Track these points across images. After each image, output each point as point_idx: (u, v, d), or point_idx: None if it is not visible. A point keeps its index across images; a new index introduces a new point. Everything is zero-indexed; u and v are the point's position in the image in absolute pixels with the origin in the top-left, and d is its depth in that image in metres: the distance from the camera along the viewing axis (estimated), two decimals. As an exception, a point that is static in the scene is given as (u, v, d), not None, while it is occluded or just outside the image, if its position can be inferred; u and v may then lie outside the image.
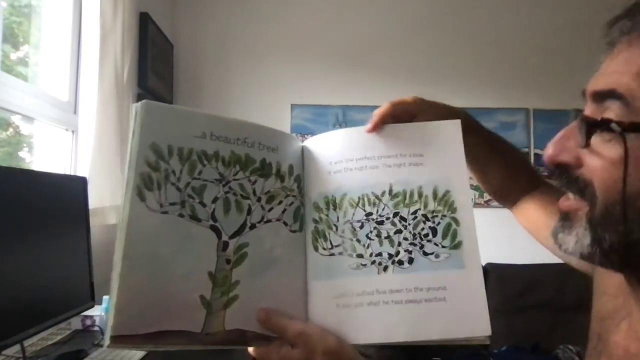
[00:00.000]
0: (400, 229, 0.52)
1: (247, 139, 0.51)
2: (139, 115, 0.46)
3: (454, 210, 0.53)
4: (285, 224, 0.53)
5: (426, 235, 0.52)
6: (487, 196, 2.14)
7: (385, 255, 0.52)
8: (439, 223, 0.52)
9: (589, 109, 0.43)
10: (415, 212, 0.53)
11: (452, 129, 0.56)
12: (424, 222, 0.52)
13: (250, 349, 0.50)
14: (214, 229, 0.48)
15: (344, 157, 0.55)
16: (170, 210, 0.46)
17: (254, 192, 0.51)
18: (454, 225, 0.52)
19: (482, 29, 2.81)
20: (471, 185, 0.57)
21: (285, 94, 2.75)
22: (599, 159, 0.41)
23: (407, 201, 0.53)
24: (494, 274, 2.40)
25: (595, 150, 0.41)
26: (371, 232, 0.53)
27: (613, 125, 0.39)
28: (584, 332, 0.55)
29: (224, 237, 0.48)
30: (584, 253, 0.42)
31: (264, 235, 0.51)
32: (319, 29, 2.80)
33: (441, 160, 0.55)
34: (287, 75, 2.77)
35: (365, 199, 0.54)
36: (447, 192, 0.53)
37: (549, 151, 0.45)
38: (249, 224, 0.50)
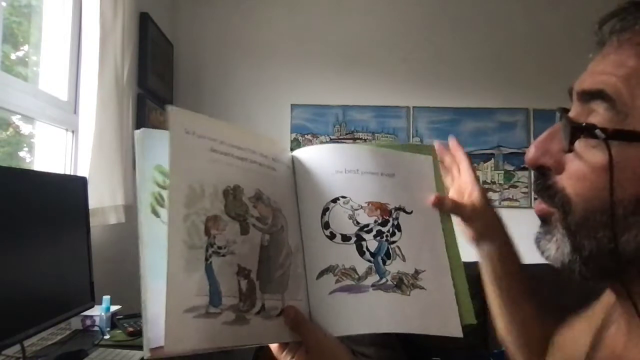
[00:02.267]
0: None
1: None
2: (138, 142, 0.50)
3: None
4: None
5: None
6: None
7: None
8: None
9: (575, 109, 0.42)
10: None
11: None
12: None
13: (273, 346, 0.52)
14: None
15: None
16: None
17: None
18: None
19: (482, 29, 2.81)
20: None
21: (285, 94, 2.75)
22: (583, 165, 0.40)
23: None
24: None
25: (579, 155, 0.40)
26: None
27: (597, 132, 0.38)
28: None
29: None
30: (565, 262, 0.41)
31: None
32: (318, 29, 2.80)
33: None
34: (287, 75, 2.77)
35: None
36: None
37: (530, 153, 0.44)
38: None
